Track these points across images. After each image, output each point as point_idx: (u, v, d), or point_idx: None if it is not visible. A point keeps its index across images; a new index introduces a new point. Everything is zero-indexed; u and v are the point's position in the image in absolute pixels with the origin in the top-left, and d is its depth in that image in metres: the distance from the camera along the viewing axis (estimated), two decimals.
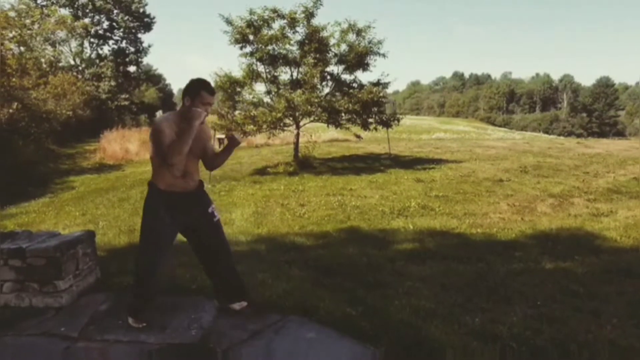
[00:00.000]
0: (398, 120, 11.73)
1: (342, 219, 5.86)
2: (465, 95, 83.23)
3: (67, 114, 19.81)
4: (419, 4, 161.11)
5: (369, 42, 10.95)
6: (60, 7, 26.68)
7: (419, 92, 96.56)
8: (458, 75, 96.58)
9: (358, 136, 12.46)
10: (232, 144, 2.72)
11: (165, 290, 3.01)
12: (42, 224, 6.69)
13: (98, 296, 3.15)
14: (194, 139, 2.55)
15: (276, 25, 10.89)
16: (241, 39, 10.88)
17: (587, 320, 2.75)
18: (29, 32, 17.70)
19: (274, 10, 10.76)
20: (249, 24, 10.71)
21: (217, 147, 15.55)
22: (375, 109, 11.22)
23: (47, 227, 6.25)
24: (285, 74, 11.41)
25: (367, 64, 11.21)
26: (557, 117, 71.55)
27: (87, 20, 27.90)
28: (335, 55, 11.18)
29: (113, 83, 28.01)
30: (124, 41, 30.15)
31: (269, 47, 10.83)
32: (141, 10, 29.87)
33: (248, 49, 11.08)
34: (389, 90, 12.05)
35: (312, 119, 11.28)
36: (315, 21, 10.92)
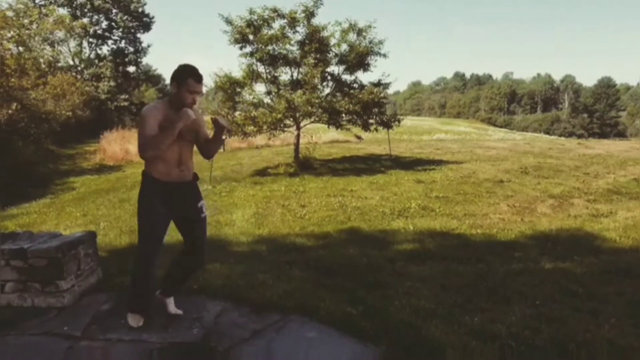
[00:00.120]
0: (399, 121, 11.75)
1: (343, 220, 5.88)
2: (466, 96, 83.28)
3: (66, 114, 19.81)
4: (420, 4, 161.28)
5: (370, 42, 10.96)
6: (58, 6, 26.67)
7: (420, 93, 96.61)
8: (459, 76, 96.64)
9: (359, 137, 12.48)
10: (218, 130, 2.59)
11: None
12: (43, 224, 6.70)
13: (100, 296, 3.17)
14: (187, 128, 2.49)
15: (276, 25, 10.91)
16: (241, 39, 10.89)
17: (586, 320, 2.76)
18: (27, 32, 17.69)
19: (274, 10, 10.77)
20: (249, 24, 10.73)
21: None
22: (376, 110, 11.23)
23: (48, 227, 6.26)
24: (285, 75, 11.44)
25: (368, 64, 11.23)
26: (558, 117, 71.58)
27: (85, 20, 27.89)
28: (336, 55, 11.20)
29: (112, 83, 28.01)
30: (123, 41, 30.16)
31: (269, 47, 10.84)
32: (140, 10, 29.87)
33: (248, 49, 11.09)
34: (390, 90, 12.08)
35: (312, 119, 11.30)
36: (316, 21, 10.95)
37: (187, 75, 2.45)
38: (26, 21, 18.36)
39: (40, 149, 15.81)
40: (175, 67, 2.53)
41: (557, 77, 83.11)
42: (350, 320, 2.72)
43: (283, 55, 11.05)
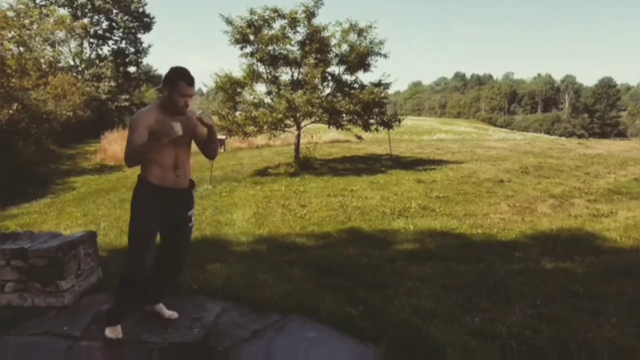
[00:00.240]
0: (399, 121, 11.74)
1: (343, 220, 5.88)
2: (467, 96, 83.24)
3: (67, 114, 19.83)
4: (420, 3, 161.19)
5: (370, 42, 10.96)
6: (59, 7, 26.70)
7: (420, 93, 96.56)
8: (459, 76, 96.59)
9: (359, 137, 12.48)
10: (205, 126, 2.49)
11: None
12: (43, 224, 6.71)
13: (100, 296, 3.17)
14: (184, 129, 2.42)
15: (277, 25, 10.92)
16: (241, 39, 10.89)
17: (587, 319, 2.76)
18: (28, 32, 17.71)
19: (275, 10, 10.78)
20: (250, 24, 10.73)
21: (218, 148, 15.59)
22: (377, 110, 11.23)
23: (49, 227, 6.27)
24: (286, 75, 11.44)
25: (368, 65, 11.22)
26: (558, 117, 71.54)
27: (86, 20, 27.93)
28: (336, 55, 11.20)
29: (113, 83, 28.04)
30: (124, 41, 30.19)
31: (270, 47, 10.84)
32: (141, 10, 29.90)
33: (248, 49, 11.10)
34: (390, 90, 12.09)
35: (313, 119, 11.30)
36: (316, 21, 10.96)
37: (178, 77, 2.40)
38: (27, 21, 18.39)
39: (41, 149, 15.83)
40: (175, 67, 2.50)
41: (557, 77, 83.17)
42: (350, 320, 2.72)
43: (283, 56, 11.06)
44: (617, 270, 3.67)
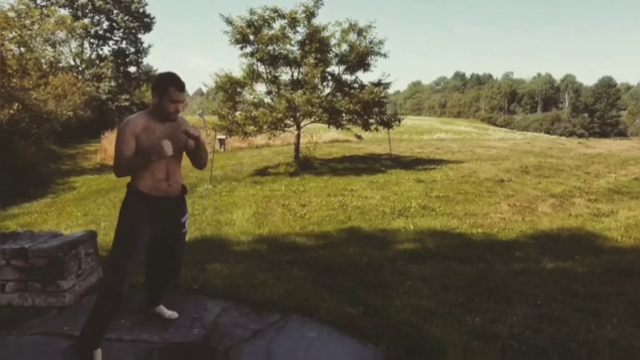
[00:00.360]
0: (399, 120, 11.74)
1: (343, 220, 5.88)
2: (467, 96, 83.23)
3: (67, 114, 19.85)
4: (420, 3, 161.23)
5: (370, 42, 10.96)
6: (59, 7, 26.74)
7: (420, 93, 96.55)
8: (459, 76, 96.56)
9: (359, 137, 12.48)
10: (192, 138, 2.43)
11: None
12: (44, 224, 6.71)
13: None
14: (174, 138, 2.37)
15: (277, 25, 10.93)
16: (241, 39, 10.90)
17: (588, 319, 2.76)
18: (28, 32, 17.73)
19: (275, 10, 10.78)
20: (250, 24, 10.73)
21: (218, 148, 15.59)
22: (376, 110, 11.23)
23: (49, 227, 6.27)
24: (285, 74, 11.45)
25: (368, 64, 11.23)
26: (558, 117, 71.51)
27: (86, 21, 27.96)
28: (336, 55, 11.20)
29: (113, 83, 28.06)
30: (124, 41, 30.21)
31: (270, 47, 10.85)
32: (141, 10, 29.92)
33: (248, 49, 11.11)
34: (390, 90, 12.08)
35: (312, 119, 11.30)
36: (316, 21, 10.96)
37: (168, 83, 2.32)
38: (28, 22, 18.42)
39: (42, 148, 15.85)
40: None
41: (557, 76, 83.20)
42: (350, 320, 2.72)
43: (283, 55, 11.06)
44: (618, 269, 3.66)
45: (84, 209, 7.82)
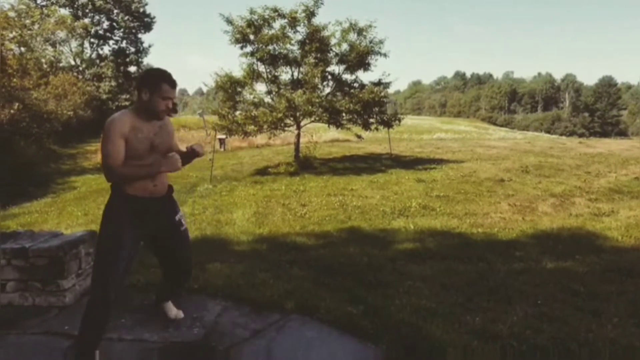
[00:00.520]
0: (399, 120, 11.74)
1: (343, 219, 5.87)
2: (467, 95, 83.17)
3: (68, 114, 19.87)
4: (420, 3, 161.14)
5: (370, 42, 10.96)
6: (59, 7, 26.76)
7: (420, 92, 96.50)
8: (459, 75, 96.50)
9: (359, 136, 12.48)
10: (193, 155, 2.39)
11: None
12: (44, 224, 6.71)
13: None
14: (160, 139, 2.28)
15: (277, 24, 10.93)
16: (242, 39, 10.90)
17: (588, 319, 2.75)
18: (29, 32, 17.74)
19: (275, 10, 10.78)
20: (250, 24, 10.73)
21: (218, 147, 15.58)
22: (377, 109, 11.23)
23: (50, 227, 6.27)
24: (286, 74, 11.46)
25: (368, 64, 11.22)
26: (559, 116, 71.47)
27: (87, 21, 27.98)
28: (336, 54, 11.20)
29: (114, 83, 28.08)
30: (124, 41, 30.24)
31: (270, 47, 10.85)
32: (141, 10, 29.94)
33: (248, 48, 11.11)
34: (390, 90, 12.09)
35: (313, 119, 11.30)
36: (316, 20, 10.96)
37: (160, 80, 2.20)
38: (28, 22, 18.43)
39: (42, 148, 15.86)
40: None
41: (557, 76, 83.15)
42: (350, 319, 2.72)
43: (283, 55, 11.06)
44: (619, 269, 3.66)
45: (84, 208, 7.82)
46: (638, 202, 6.63)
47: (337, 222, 5.69)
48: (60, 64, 26.10)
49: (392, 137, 14.42)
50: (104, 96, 27.27)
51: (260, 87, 11.49)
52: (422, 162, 11.55)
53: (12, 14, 16.84)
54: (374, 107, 11.07)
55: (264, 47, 10.81)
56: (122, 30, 29.67)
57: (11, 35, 15.62)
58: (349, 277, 3.49)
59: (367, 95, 10.55)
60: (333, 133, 16.79)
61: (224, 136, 14.25)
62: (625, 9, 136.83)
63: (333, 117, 10.88)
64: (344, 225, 5.52)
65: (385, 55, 11.15)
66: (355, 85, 11.56)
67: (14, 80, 14.76)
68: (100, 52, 30.12)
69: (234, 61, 34.52)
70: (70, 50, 28.60)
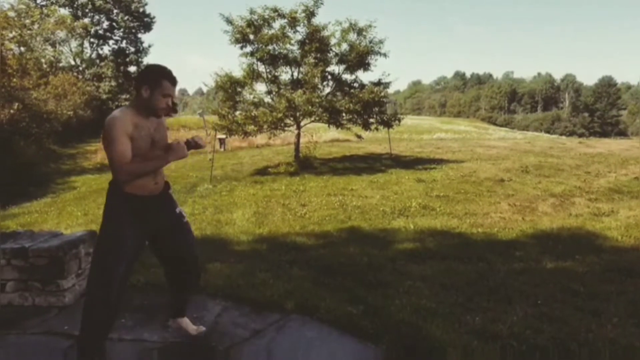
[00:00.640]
0: (399, 120, 11.74)
1: (343, 219, 5.88)
2: (467, 95, 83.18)
3: (67, 114, 19.87)
4: (420, 3, 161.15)
5: (370, 42, 10.96)
6: (59, 7, 26.76)
7: (420, 92, 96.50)
8: (459, 75, 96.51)
9: (359, 136, 12.48)
10: (193, 147, 2.31)
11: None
12: (44, 224, 6.71)
13: None
14: (159, 134, 2.23)
15: (277, 24, 10.93)
16: (241, 39, 10.90)
17: (588, 319, 2.75)
18: (29, 32, 17.74)
19: (275, 10, 10.78)
20: (250, 24, 10.73)
21: (218, 147, 15.58)
22: (376, 109, 11.23)
23: (49, 227, 6.27)
24: (285, 74, 11.46)
25: (368, 64, 11.23)
26: (559, 116, 71.47)
27: (86, 20, 27.98)
28: (336, 54, 11.20)
29: (113, 83, 28.08)
30: (124, 41, 30.24)
31: (270, 47, 10.85)
32: (141, 10, 29.94)
33: (248, 48, 11.11)
34: (390, 90, 12.09)
35: (312, 119, 11.31)
36: (316, 20, 10.96)
37: (161, 76, 2.15)
38: (28, 21, 18.44)
39: (42, 148, 15.86)
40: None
41: (557, 76, 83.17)
42: (350, 319, 2.72)
43: (283, 55, 11.06)
44: (618, 269, 3.66)
45: (84, 208, 7.82)
46: (638, 202, 6.63)
47: (337, 222, 5.69)
48: (60, 64, 26.10)
49: (392, 137, 14.42)
50: (104, 96, 27.27)
51: (260, 87, 11.50)
52: (422, 162, 11.55)
53: (12, 13, 16.85)
54: (374, 107, 11.07)
55: (263, 47, 10.81)
56: (122, 30, 29.67)
57: (11, 35, 15.62)
58: (349, 277, 3.49)
59: (367, 95, 10.55)
60: (333, 133, 16.79)
61: (224, 136, 14.24)
62: (625, 9, 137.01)
63: (333, 117, 10.88)
64: (344, 225, 5.52)
65: (385, 55, 11.15)
66: (355, 85, 11.56)
67: (14, 80, 14.76)
68: (100, 52, 30.16)
69: (234, 61, 34.52)
70: (70, 50, 28.61)
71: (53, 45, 23.51)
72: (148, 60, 31.01)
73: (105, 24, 29.58)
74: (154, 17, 30.73)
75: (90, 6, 28.45)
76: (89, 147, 18.88)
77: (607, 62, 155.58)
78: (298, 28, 10.99)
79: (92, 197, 9.16)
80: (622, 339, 2.50)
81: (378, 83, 11.39)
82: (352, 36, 10.99)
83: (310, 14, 10.77)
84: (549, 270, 3.71)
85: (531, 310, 2.90)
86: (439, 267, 3.79)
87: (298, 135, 11.63)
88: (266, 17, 10.76)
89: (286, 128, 11.48)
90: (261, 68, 11.22)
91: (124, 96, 28.18)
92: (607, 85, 71.86)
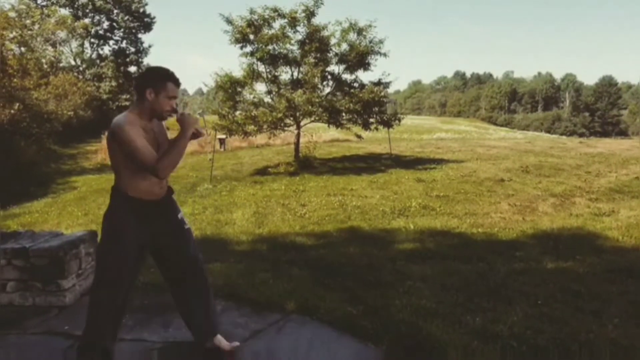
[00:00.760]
0: (399, 120, 11.75)
1: (343, 219, 5.87)
2: (467, 95, 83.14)
3: (68, 114, 19.89)
4: (420, 3, 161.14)
5: (370, 42, 10.97)
6: (60, 7, 26.78)
7: (420, 92, 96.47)
8: (459, 75, 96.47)
9: (359, 136, 12.48)
10: (197, 135, 2.21)
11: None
12: (44, 224, 6.72)
13: None
14: (162, 136, 2.18)
15: (277, 24, 10.94)
16: (242, 39, 10.91)
17: (588, 319, 2.75)
18: (29, 32, 17.76)
19: (275, 10, 10.79)
20: (250, 24, 10.74)
21: (218, 147, 15.59)
22: (376, 109, 11.23)
23: (50, 227, 6.28)
24: (285, 74, 11.47)
25: (368, 64, 11.23)
26: (559, 116, 71.43)
27: (87, 21, 28.01)
28: (336, 54, 11.21)
29: (114, 83, 28.10)
30: (125, 41, 30.25)
31: (270, 47, 10.86)
32: (141, 10, 29.95)
33: (248, 48, 11.12)
34: (390, 89, 12.09)
35: (312, 119, 11.31)
36: (316, 20, 10.97)
37: (166, 78, 2.10)
38: (28, 22, 18.47)
39: (42, 148, 15.87)
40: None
41: (558, 75, 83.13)
42: (350, 319, 2.72)
43: (283, 55, 11.06)
44: (619, 269, 3.66)
45: (85, 208, 7.83)
46: (638, 202, 6.63)
47: (337, 222, 5.69)
48: (61, 64, 26.13)
49: (392, 137, 14.42)
50: (104, 96, 27.28)
51: (260, 87, 11.52)
52: (422, 162, 11.55)
53: (12, 14, 16.87)
54: (373, 107, 11.07)
55: (263, 47, 10.81)
56: (122, 30, 29.68)
57: (11, 36, 15.64)
58: (349, 277, 3.49)
59: (367, 95, 10.55)
60: (333, 133, 16.79)
61: (224, 136, 14.24)
62: (625, 9, 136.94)
63: (333, 117, 10.89)
64: (344, 225, 5.52)
65: (385, 55, 11.16)
66: (355, 85, 11.56)
67: (15, 80, 14.78)
68: (101, 52, 30.17)
69: (234, 61, 34.50)
70: (71, 51, 28.64)
71: (53, 45, 23.54)
72: (148, 60, 31.04)
73: (106, 24, 29.60)
74: (154, 18, 30.77)
75: (90, 6, 28.47)
76: (89, 147, 18.90)
77: (608, 61, 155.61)
78: (298, 28, 11.01)
79: (92, 197, 9.17)
80: (623, 339, 2.49)
81: (378, 83, 11.39)
82: (352, 36, 11.00)
83: (310, 14, 10.77)
84: (549, 271, 3.71)
85: (531, 310, 2.89)
86: (439, 267, 3.78)
87: (298, 135, 11.63)
88: (266, 17, 10.77)
89: (286, 128, 11.48)
90: (261, 68, 11.23)
91: (124, 96, 28.19)
92: (607, 85, 71.84)
